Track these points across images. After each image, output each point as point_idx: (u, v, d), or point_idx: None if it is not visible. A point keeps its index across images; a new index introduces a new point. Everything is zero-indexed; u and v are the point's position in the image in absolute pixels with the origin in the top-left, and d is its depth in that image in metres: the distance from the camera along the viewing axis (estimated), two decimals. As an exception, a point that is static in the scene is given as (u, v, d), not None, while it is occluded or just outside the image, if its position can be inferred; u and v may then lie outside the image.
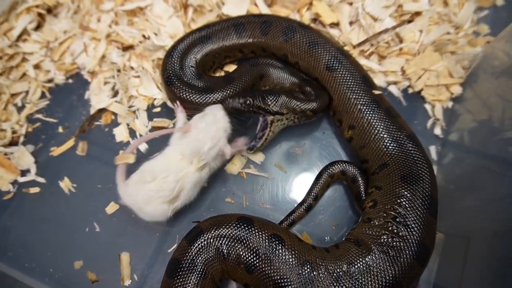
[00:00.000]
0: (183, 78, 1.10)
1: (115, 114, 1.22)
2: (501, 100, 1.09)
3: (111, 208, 1.09)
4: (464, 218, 1.02)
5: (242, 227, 0.92)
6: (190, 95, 1.08)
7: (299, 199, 1.07)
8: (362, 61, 1.17)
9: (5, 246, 1.07)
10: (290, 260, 0.86)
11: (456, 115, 1.18)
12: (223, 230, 0.92)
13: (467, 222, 1.01)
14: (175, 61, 1.12)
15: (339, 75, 1.08)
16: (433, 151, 1.13)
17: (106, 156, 1.16)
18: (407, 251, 0.87)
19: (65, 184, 1.12)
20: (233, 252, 0.90)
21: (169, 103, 1.21)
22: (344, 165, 1.07)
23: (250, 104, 1.02)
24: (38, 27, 1.34)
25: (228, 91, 1.08)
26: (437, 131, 1.16)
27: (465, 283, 0.95)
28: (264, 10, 1.29)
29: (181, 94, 1.08)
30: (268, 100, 1.04)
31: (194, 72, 1.12)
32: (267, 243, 0.89)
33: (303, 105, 1.07)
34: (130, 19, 1.31)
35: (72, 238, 1.07)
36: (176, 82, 1.09)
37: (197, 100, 1.08)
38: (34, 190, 1.13)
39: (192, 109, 1.08)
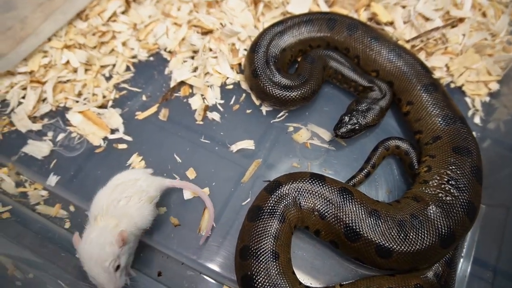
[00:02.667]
0: (267, 72, 1.26)
1: (192, 88, 1.39)
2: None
3: (191, 173, 1.24)
4: (502, 189, 1.17)
5: (316, 181, 1.07)
6: (273, 90, 1.24)
7: (356, 168, 1.22)
8: (414, 55, 1.35)
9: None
10: (359, 208, 1.01)
11: (493, 108, 1.34)
12: (299, 184, 1.06)
13: (506, 193, 1.16)
14: (261, 56, 1.28)
15: (400, 64, 1.26)
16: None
17: (184, 121, 1.32)
18: (459, 208, 1.01)
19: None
20: (308, 202, 1.04)
21: (244, 86, 1.38)
22: (398, 140, 1.22)
23: (361, 126, 1.19)
24: (124, 12, 1.52)
25: (305, 90, 1.24)
26: (477, 120, 1.33)
27: (503, 256, 1.09)
28: (325, 9, 1.48)
29: (265, 87, 1.24)
30: (370, 116, 1.21)
31: (275, 68, 1.28)
32: (338, 194, 1.04)
33: (388, 102, 1.25)
34: (207, 10, 1.50)
35: (156, 188, 1.22)
36: (262, 76, 1.25)
37: (278, 96, 1.24)
38: (122, 146, 1.28)
39: (271, 103, 1.28)
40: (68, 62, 1.39)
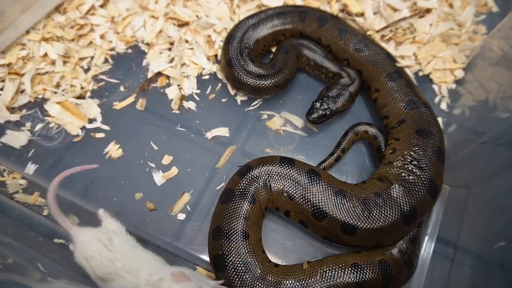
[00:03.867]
0: (241, 62, 1.30)
1: (168, 78, 1.42)
2: (496, 85, 1.32)
3: (166, 159, 1.27)
4: (465, 171, 1.22)
5: (285, 164, 1.11)
6: (247, 79, 1.28)
7: (328, 153, 1.26)
8: (382, 45, 1.40)
9: (74, 179, 1.22)
10: (326, 188, 1.05)
11: (458, 94, 1.40)
12: (269, 167, 1.11)
13: (466, 174, 1.22)
14: (235, 47, 1.32)
15: (366, 54, 1.31)
16: (440, 121, 1.33)
17: (160, 111, 1.36)
18: (421, 186, 1.06)
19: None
20: (278, 184, 1.09)
21: (220, 76, 1.42)
22: (367, 125, 1.27)
23: (332, 112, 1.24)
24: (103, 5, 1.54)
25: (278, 79, 1.28)
26: (443, 106, 1.38)
27: (463, 233, 1.15)
28: (298, 2, 1.53)
29: (240, 76, 1.28)
30: (340, 101, 1.25)
31: (249, 58, 1.32)
32: (305, 176, 1.08)
33: (356, 88, 1.30)
34: (184, 3, 1.53)
35: (132, 175, 1.24)
36: (236, 65, 1.29)
37: (252, 84, 1.28)
38: (100, 135, 1.31)
39: (246, 92, 1.32)
40: (46, 54, 1.41)
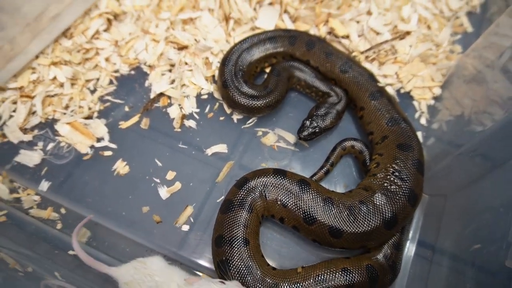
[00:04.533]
0: (236, 84, 1.41)
1: (170, 98, 1.53)
2: (470, 101, 1.45)
3: (170, 175, 1.38)
4: (442, 181, 1.35)
5: (278, 175, 1.23)
6: (241, 99, 1.38)
7: (318, 167, 1.38)
8: (367, 65, 1.53)
9: (85, 194, 1.34)
10: (315, 196, 1.17)
11: (436, 110, 1.53)
12: (264, 178, 1.22)
13: (444, 184, 1.34)
14: (230, 69, 1.43)
15: (351, 75, 1.43)
16: (420, 135, 1.46)
17: (163, 129, 1.47)
18: (402, 195, 1.18)
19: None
20: (272, 193, 1.20)
21: (216, 96, 1.53)
22: (353, 141, 1.39)
23: (321, 129, 1.35)
24: (106, 29, 1.65)
25: (269, 100, 1.39)
26: (423, 121, 1.51)
27: (441, 237, 1.27)
28: (289, 24, 1.65)
29: (234, 97, 1.39)
30: (328, 119, 1.37)
31: (243, 79, 1.43)
32: (297, 185, 1.20)
33: (343, 106, 1.42)
34: (183, 26, 1.65)
35: (139, 190, 1.35)
36: (231, 86, 1.40)
37: (245, 104, 1.39)
38: (108, 153, 1.41)
39: (240, 111, 1.43)
40: (55, 77, 1.51)
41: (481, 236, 1.11)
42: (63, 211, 1.33)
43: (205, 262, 1.25)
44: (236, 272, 1.10)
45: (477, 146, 1.26)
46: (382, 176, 1.23)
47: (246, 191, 1.21)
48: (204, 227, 1.30)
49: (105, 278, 1.16)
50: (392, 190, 1.19)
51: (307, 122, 1.36)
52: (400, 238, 1.24)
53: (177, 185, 1.35)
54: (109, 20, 1.66)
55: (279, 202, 1.19)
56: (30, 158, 1.39)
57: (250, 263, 1.12)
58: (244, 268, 1.11)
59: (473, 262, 1.09)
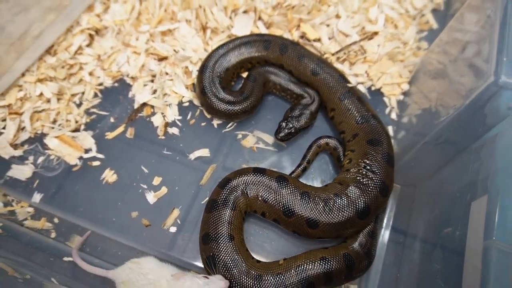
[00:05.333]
0: (213, 90, 1.49)
1: (153, 108, 1.60)
2: (436, 94, 1.54)
3: (156, 180, 1.46)
4: (412, 172, 1.44)
5: (258, 173, 1.31)
6: (219, 105, 1.47)
7: (296, 165, 1.46)
8: (338, 66, 1.62)
9: (76, 203, 1.41)
10: (293, 191, 1.26)
11: (406, 104, 1.62)
12: (245, 177, 1.30)
13: (414, 174, 1.43)
14: (208, 76, 1.51)
15: (322, 77, 1.52)
16: (390, 129, 1.55)
17: (148, 137, 1.54)
18: (373, 187, 1.26)
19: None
20: (253, 190, 1.28)
21: (196, 102, 1.61)
22: (328, 138, 1.48)
23: (296, 129, 1.44)
24: (89, 44, 1.72)
25: (246, 105, 1.47)
26: (393, 116, 1.60)
27: (411, 223, 1.37)
28: (264, 31, 1.73)
29: (212, 103, 1.47)
30: (302, 120, 1.46)
31: (220, 86, 1.51)
32: (275, 181, 1.28)
33: (316, 107, 1.50)
34: (162, 38, 1.72)
35: (127, 196, 1.42)
36: (209, 93, 1.48)
37: (223, 110, 1.47)
38: (96, 163, 1.48)
39: (219, 117, 1.51)
40: (41, 93, 1.57)
41: (445, 220, 1.20)
42: (56, 220, 1.40)
43: (194, 260, 1.33)
44: (223, 266, 1.18)
45: (439, 134, 1.31)
46: (355, 170, 1.31)
47: (229, 190, 1.29)
48: (191, 227, 1.38)
49: (102, 281, 1.24)
50: (364, 183, 1.27)
51: (283, 123, 1.44)
52: (374, 226, 1.33)
53: (164, 190, 1.43)
54: (91, 36, 1.73)
55: (260, 198, 1.27)
56: (21, 172, 1.45)
57: (236, 257, 1.20)
58: (230, 262, 1.19)
59: (440, 244, 1.18)
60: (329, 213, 1.22)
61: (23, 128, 1.53)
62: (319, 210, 1.23)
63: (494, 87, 0.92)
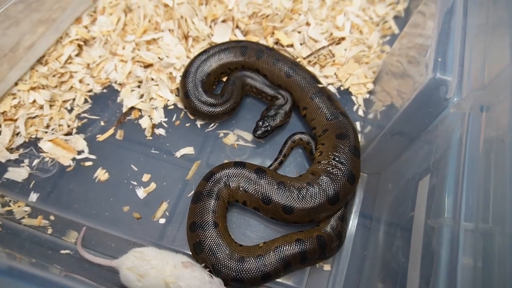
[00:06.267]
0: (196, 94, 1.63)
1: (140, 111, 1.73)
2: (395, 91, 1.71)
3: (145, 177, 1.58)
4: (377, 161, 1.60)
5: (238, 166, 1.45)
6: (201, 108, 1.61)
7: (273, 158, 1.61)
8: (310, 68, 1.78)
9: (71, 201, 1.52)
10: (270, 181, 1.40)
11: (371, 102, 1.79)
12: (227, 170, 1.44)
13: (377, 163, 1.59)
14: (190, 81, 1.64)
15: (295, 79, 1.67)
16: (358, 125, 1.71)
17: (137, 138, 1.66)
18: (342, 176, 1.41)
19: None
20: (235, 182, 1.42)
21: (180, 105, 1.74)
22: (301, 134, 1.63)
23: (272, 127, 1.58)
24: (78, 54, 1.84)
25: (226, 107, 1.62)
26: (360, 112, 1.76)
27: (376, 207, 1.52)
28: (241, 38, 1.88)
29: (196, 106, 1.61)
30: (278, 119, 1.60)
31: (203, 89, 1.65)
32: (255, 173, 1.42)
33: (290, 106, 1.65)
34: (147, 47, 1.85)
35: (119, 193, 1.54)
36: (192, 97, 1.62)
37: (205, 112, 1.61)
38: (88, 163, 1.60)
39: (201, 118, 1.65)
40: (34, 101, 1.68)
41: (401, 201, 1.35)
42: (52, 218, 1.50)
43: (182, 248, 1.45)
44: (209, 250, 1.31)
45: (394, 126, 1.44)
46: (325, 162, 1.47)
47: (213, 183, 1.43)
48: (179, 219, 1.50)
49: (98, 270, 1.36)
50: (334, 173, 1.43)
51: (260, 122, 1.58)
52: (344, 211, 1.48)
53: (152, 185, 1.55)
54: (79, 46, 1.85)
55: (241, 189, 1.41)
56: (18, 174, 1.56)
57: (220, 242, 1.33)
58: (215, 246, 1.32)
59: (399, 223, 1.34)
60: (302, 200, 1.37)
61: (18, 134, 1.64)
62: (293, 198, 1.37)
63: (432, 82, 1.08)
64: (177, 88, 1.78)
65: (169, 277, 1.22)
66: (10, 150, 1.61)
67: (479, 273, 0.86)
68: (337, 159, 1.46)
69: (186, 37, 1.87)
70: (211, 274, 1.26)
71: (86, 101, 1.76)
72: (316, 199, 1.37)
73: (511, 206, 0.83)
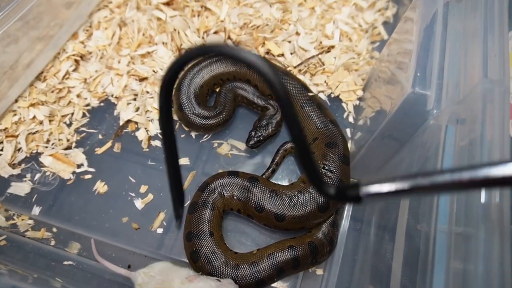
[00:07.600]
0: (190, 106, 1.68)
1: (137, 124, 1.79)
2: (384, 97, 1.76)
3: (143, 188, 1.64)
4: (365, 166, 1.65)
5: (232, 176, 1.51)
6: (196, 120, 1.66)
7: (266, 167, 1.66)
8: (300, 77, 1.83)
9: (72, 213, 1.58)
10: (263, 189, 1.45)
11: (361, 109, 1.83)
12: (221, 180, 1.50)
13: (367, 168, 1.64)
14: (184, 93, 1.69)
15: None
16: (348, 131, 1.77)
17: (134, 150, 1.72)
18: (331, 184, 1.48)
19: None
20: (229, 191, 1.48)
21: (174, 117, 1.79)
22: (292, 143, 1.69)
23: (265, 137, 1.63)
24: (75, 69, 1.89)
25: (219, 119, 1.67)
26: (350, 119, 1.81)
27: (366, 211, 1.57)
28: (233, 49, 1.93)
29: (189, 119, 1.66)
30: (269, 128, 1.65)
31: (196, 102, 1.69)
32: (248, 182, 1.48)
33: (280, 116, 1.69)
34: (142, 60, 1.91)
35: (118, 204, 1.60)
36: (185, 109, 1.67)
37: (199, 124, 1.66)
38: (88, 176, 1.66)
39: (195, 130, 1.70)
40: (34, 117, 1.74)
41: (391, 206, 1.40)
42: (54, 230, 1.57)
43: (180, 257, 1.51)
44: (205, 258, 1.37)
45: (383, 131, 1.47)
46: (315, 170, 1.52)
47: (207, 193, 1.48)
48: (175, 230, 1.56)
49: (97, 282, 1.41)
50: (324, 180, 1.48)
51: (252, 132, 1.64)
52: (335, 218, 1.53)
53: (150, 196, 1.61)
54: (76, 61, 1.90)
55: (235, 197, 1.47)
56: (21, 188, 1.62)
57: (216, 250, 1.39)
58: (211, 255, 1.38)
59: (386, 226, 1.39)
60: (294, 208, 1.42)
61: (19, 149, 1.70)
62: (285, 206, 1.43)
63: (412, 96, 1.13)
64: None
65: None
66: (13, 165, 1.67)
67: (460, 274, 0.92)
68: (326, 167, 1.51)
69: (179, 50, 1.93)
70: (218, 278, 1.31)
71: (84, 115, 1.82)
72: (306, 207, 1.42)
73: (481, 211, 0.87)
